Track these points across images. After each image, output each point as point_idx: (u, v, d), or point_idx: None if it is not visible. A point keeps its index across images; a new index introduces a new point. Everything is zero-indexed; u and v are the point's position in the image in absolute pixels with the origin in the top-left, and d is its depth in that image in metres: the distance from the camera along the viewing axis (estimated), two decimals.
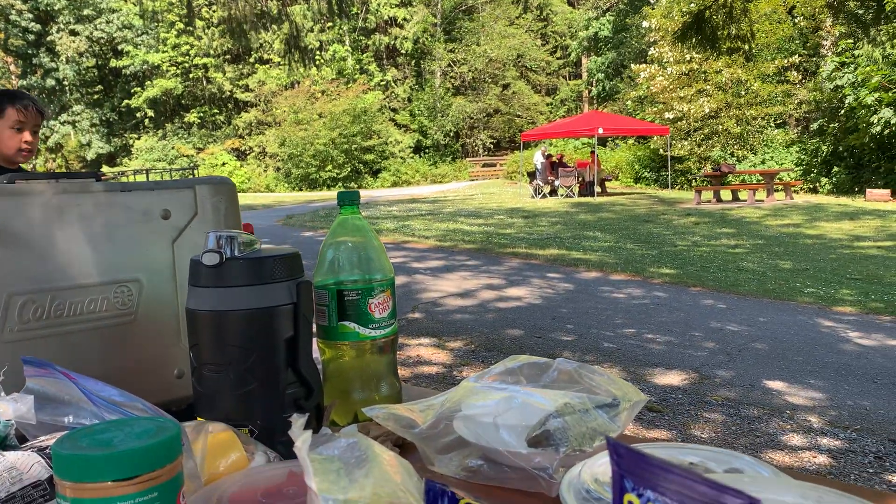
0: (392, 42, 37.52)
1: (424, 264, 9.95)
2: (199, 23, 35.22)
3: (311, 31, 35.11)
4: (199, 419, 0.88)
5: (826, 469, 3.34)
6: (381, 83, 36.82)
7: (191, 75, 37.63)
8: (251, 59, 37.36)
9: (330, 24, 35.72)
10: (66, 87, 37.24)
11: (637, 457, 0.40)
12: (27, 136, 2.59)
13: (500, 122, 35.86)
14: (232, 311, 0.83)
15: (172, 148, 36.59)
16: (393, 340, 1.01)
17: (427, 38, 37.07)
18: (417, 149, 35.76)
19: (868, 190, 18.10)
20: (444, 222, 15.00)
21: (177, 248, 1.09)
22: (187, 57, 37.00)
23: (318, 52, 35.61)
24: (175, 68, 37.20)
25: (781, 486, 0.59)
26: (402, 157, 34.31)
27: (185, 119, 38.24)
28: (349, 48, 36.93)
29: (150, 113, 38.09)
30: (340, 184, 31.21)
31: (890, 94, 17.76)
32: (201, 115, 37.91)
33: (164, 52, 36.95)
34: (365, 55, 37.65)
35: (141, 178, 26.58)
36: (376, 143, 33.01)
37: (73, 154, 38.42)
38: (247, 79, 36.98)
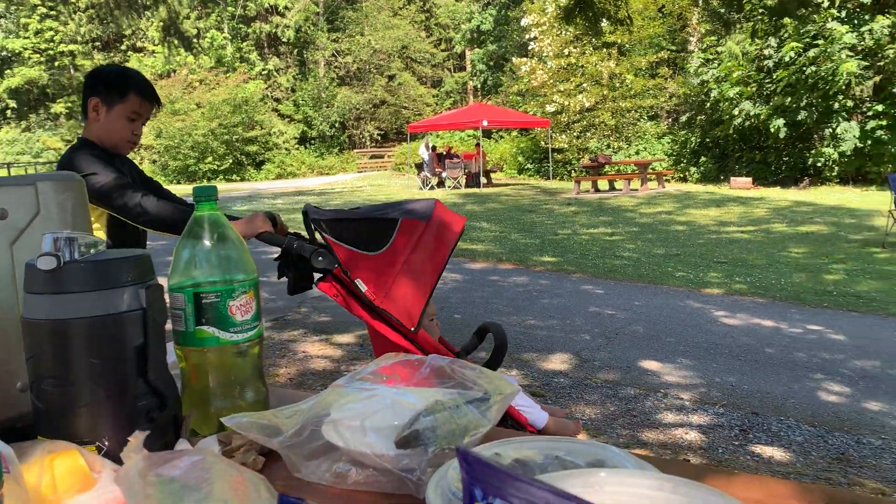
0: (273, 30, 36.53)
1: None
2: (64, 7, 32.99)
3: (188, 17, 33.64)
4: (39, 438, 0.81)
5: (697, 444, 3.53)
6: (263, 72, 35.81)
7: (56, 63, 35.21)
8: (123, 47, 35.40)
9: (207, 10, 34.37)
10: None
11: (485, 466, 0.39)
12: (138, 127, 2.41)
13: (387, 114, 35.73)
14: (72, 319, 0.77)
15: (38, 140, 34.15)
16: (258, 344, 0.96)
17: (310, 27, 36.37)
18: (303, 140, 35.06)
19: (732, 178, 19.32)
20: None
21: (16, 250, 0.99)
22: (52, 44, 34.59)
23: (195, 40, 34.18)
24: (38, 56, 34.70)
25: (637, 477, 0.60)
26: (286, 149, 33.54)
27: (52, 110, 35.78)
28: (228, 36, 35.68)
29: (12, 103, 35.38)
30: (221, 176, 30.15)
31: (749, 89, 18.98)
32: (69, 105, 35.55)
33: (25, 38, 34.39)
34: (245, 43, 36.50)
35: (3, 172, 24.67)
36: (259, 133, 32.10)
37: None
38: None
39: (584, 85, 23.61)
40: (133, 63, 33.99)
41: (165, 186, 2.64)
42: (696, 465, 1.01)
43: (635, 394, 4.27)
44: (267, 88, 34.96)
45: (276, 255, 2.12)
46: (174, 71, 33.10)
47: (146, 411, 0.81)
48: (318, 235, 2.03)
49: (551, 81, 23.98)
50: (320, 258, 1.97)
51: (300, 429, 0.81)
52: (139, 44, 35.13)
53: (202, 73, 32.49)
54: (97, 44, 36.02)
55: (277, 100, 35.59)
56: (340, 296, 2.02)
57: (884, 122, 17.26)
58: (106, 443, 0.78)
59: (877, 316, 6.16)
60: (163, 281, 0.85)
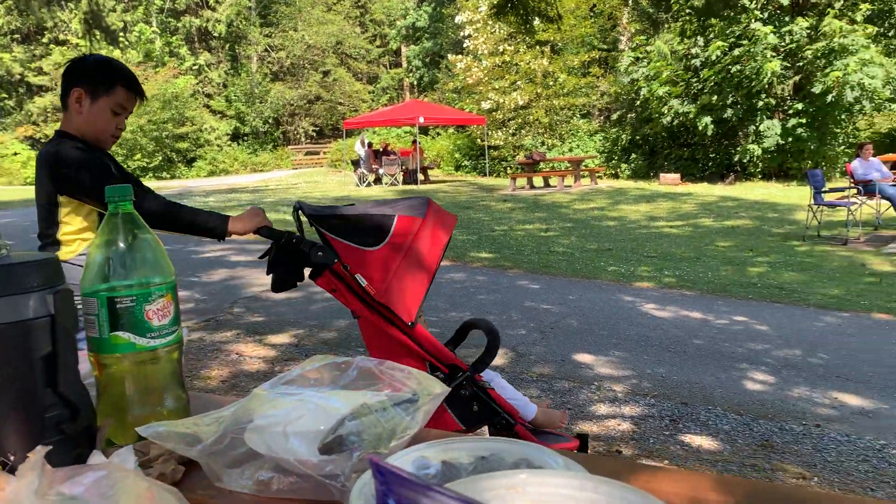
0: (204, 24, 35.66)
1: (246, 257, 9.59)
2: None
3: (114, 10, 32.52)
4: None
5: (629, 435, 3.61)
6: (194, 67, 34.92)
7: None
8: (45, 40, 33.95)
9: (134, 2, 33.30)
10: None
11: (399, 477, 0.38)
12: (122, 121, 2.32)
13: (322, 110, 35.33)
14: None
15: None
16: (177, 349, 0.93)
17: (242, 22, 35.64)
18: (235, 136, 34.35)
19: (661, 174, 19.83)
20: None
21: None
22: None
23: (121, 34, 33.06)
24: None
25: (560, 477, 0.60)
26: (218, 145, 32.80)
27: None
28: (157, 30, 34.64)
29: None
30: (151, 174, 29.28)
31: (677, 88, 19.51)
32: None
33: None
34: (175, 38, 35.51)
35: None
36: (190, 130, 31.29)
37: None
38: (40, 60, 33.54)
39: (519, 83, 23.86)
40: (56, 57, 32.66)
41: None
42: (624, 461, 1.03)
43: (570, 387, 4.34)
44: (198, 84, 34.11)
45: (261, 254, 2.16)
46: None
47: (56, 423, 0.77)
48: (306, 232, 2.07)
49: (486, 79, 24.15)
50: (319, 253, 2.02)
51: (220, 436, 0.79)
52: (62, 36, 33.76)
53: (130, 68, 31.44)
54: (16, 36, 34.46)
55: (209, 95, 34.77)
56: (338, 291, 2.07)
57: (803, 120, 17.99)
58: (11, 458, 0.74)
59: (797, 307, 6.41)
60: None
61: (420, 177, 20.60)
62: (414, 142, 21.82)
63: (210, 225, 2.19)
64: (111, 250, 0.88)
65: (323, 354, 1.01)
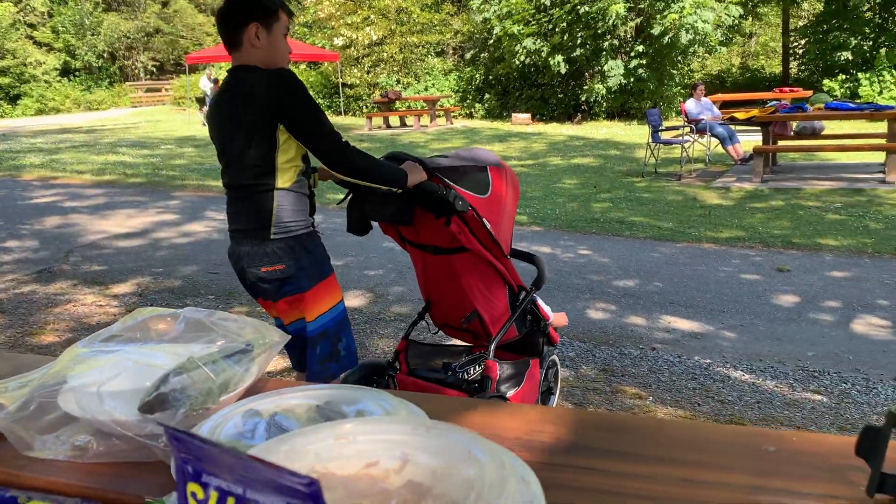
0: None
1: (81, 202, 8.92)
2: None
3: None
4: None
5: None
6: None
7: None
8: None
9: None
10: None
11: (196, 443, 0.35)
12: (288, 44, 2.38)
13: (163, 44, 32.99)
14: None
15: None
16: None
17: None
18: (65, 71, 31.43)
19: (514, 114, 20.26)
20: (102, 154, 13.53)
21: None
22: None
23: None
24: None
25: (389, 423, 0.59)
26: (46, 81, 29.93)
27: None
28: None
29: None
30: None
31: (530, 27, 19.84)
32: None
33: None
34: None
35: None
36: (12, 64, 28.31)
37: None
38: None
39: (372, 17, 23.32)
40: None
41: None
42: (464, 400, 1.05)
43: (424, 325, 4.41)
44: (18, 13, 30.72)
45: (340, 200, 2.54)
46: None
47: None
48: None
49: (339, 13, 23.40)
50: (460, 202, 2.29)
51: (27, 401, 0.72)
52: None
53: None
54: None
55: (32, 25, 31.44)
56: (464, 233, 2.36)
57: (644, 62, 18.88)
58: None
59: (636, 239, 6.84)
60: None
61: None
62: None
63: (396, 175, 2.30)
64: None
65: (152, 308, 0.94)
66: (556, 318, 3.02)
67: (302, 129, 2.21)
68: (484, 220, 2.36)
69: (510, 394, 2.65)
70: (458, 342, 3.18)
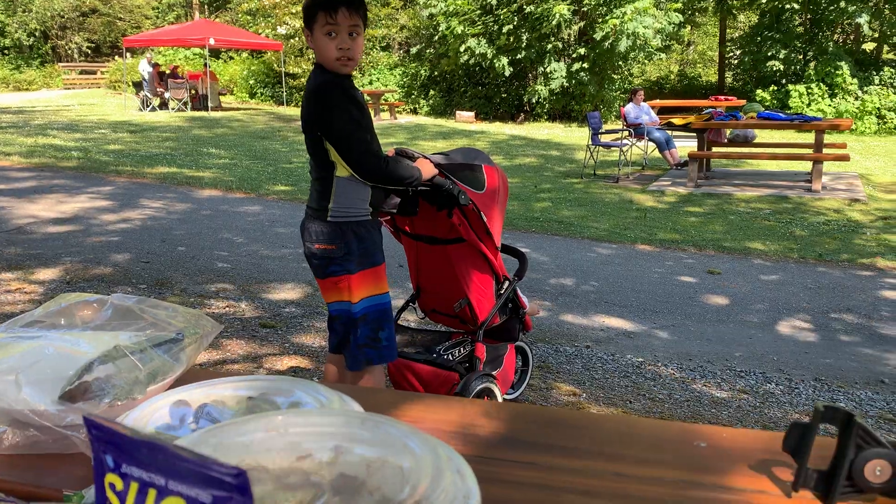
0: None
1: (7, 185, 8.55)
2: None
3: None
4: None
5: None
6: None
7: None
8: None
9: None
10: None
11: (114, 432, 0.33)
12: (341, 41, 2.31)
13: (99, 25, 31.80)
14: None
15: None
16: None
17: None
18: None
19: (457, 112, 20.31)
20: (32, 136, 12.99)
21: None
22: None
23: None
24: None
25: (320, 416, 0.58)
26: None
27: None
28: None
29: None
30: None
31: (476, 27, 19.90)
32: None
33: None
34: None
35: None
36: None
37: None
38: None
39: None
40: None
41: None
42: (400, 394, 1.05)
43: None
44: None
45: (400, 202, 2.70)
46: None
47: None
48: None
49: (283, 2, 23.02)
50: (462, 196, 2.55)
51: None
52: None
53: None
54: None
55: None
56: (463, 225, 2.63)
57: (586, 65, 19.16)
58: None
59: (574, 239, 6.95)
60: None
61: (212, 103, 19.39)
62: (205, 64, 20.41)
63: (415, 174, 2.47)
64: None
65: (76, 293, 0.90)
66: (531, 307, 3.24)
67: (331, 143, 2.40)
68: (482, 213, 2.60)
69: (494, 373, 2.88)
70: (442, 327, 3.33)
